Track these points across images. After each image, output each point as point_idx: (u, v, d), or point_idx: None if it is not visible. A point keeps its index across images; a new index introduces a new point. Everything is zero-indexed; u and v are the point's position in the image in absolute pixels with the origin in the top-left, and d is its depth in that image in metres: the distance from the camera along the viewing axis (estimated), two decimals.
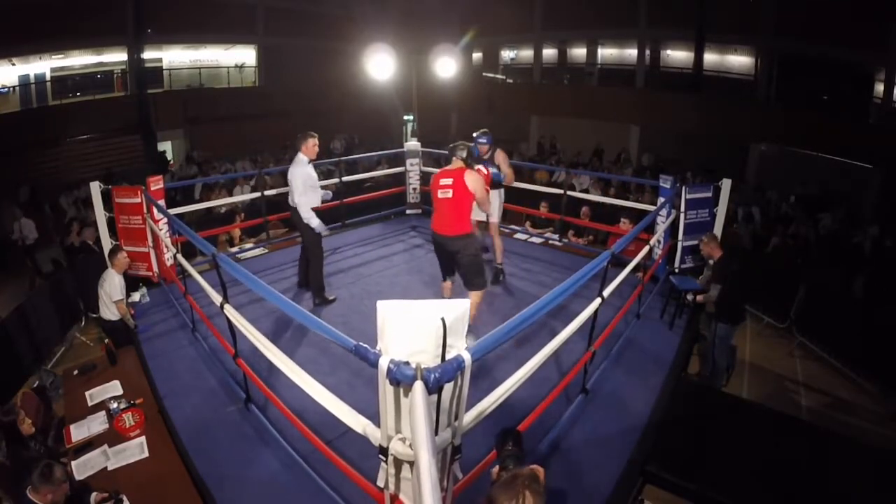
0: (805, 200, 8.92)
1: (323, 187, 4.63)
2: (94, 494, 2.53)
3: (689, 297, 4.23)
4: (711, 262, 4.23)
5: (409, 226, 6.69)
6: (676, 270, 4.94)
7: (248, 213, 7.01)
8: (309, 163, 4.32)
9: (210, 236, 5.54)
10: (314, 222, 4.31)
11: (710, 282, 4.10)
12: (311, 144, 4.31)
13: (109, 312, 4.08)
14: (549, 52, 15.10)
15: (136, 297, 4.72)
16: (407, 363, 1.54)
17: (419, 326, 1.58)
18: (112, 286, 4.03)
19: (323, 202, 4.56)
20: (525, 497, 1.30)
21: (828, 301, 5.23)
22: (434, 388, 1.51)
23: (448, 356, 1.61)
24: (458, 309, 1.65)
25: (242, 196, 7.26)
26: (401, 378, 1.52)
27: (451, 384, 1.63)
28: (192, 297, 3.84)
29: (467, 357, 1.61)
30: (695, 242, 4.96)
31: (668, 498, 2.65)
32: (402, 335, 1.60)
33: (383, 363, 1.56)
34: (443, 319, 1.57)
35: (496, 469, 1.64)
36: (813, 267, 6.05)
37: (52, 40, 10.89)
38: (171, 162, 12.59)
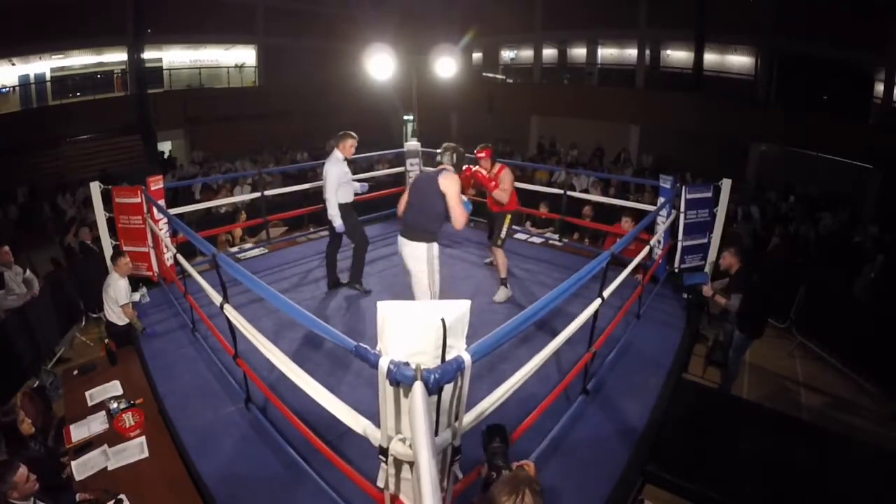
0: (805, 200, 8.93)
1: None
2: (77, 495, 2.53)
3: (705, 290, 4.13)
4: (731, 272, 4.17)
5: None
6: (676, 270, 4.95)
7: (247, 213, 7.03)
8: (344, 160, 4.45)
9: (210, 236, 5.53)
10: (337, 221, 4.42)
11: (730, 291, 4.05)
12: (349, 144, 4.45)
13: (116, 316, 4.06)
14: (549, 52, 15.11)
15: (136, 297, 4.71)
16: (407, 364, 1.53)
17: (419, 327, 1.58)
18: (117, 291, 4.00)
19: (357, 195, 4.74)
20: (525, 495, 1.30)
21: (828, 301, 5.23)
22: (434, 389, 1.51)
23: (448, 357, 1.61)
24: (459, 309, 1.65)
25: (242, 196, 7.26)
26: (401, 379, 1.52)
27: (451, 385, 1.63)
28: (192, 297, 3.84)
29: (467, 358, 1.61)
30: (695, 242, 4.96)
31: (668, 498, 2.65)
32: (401, 336, 1.60)
33: (383, 364, 1.55)
34: (443, 320, 1.57)
35: (484, 467, 1.63)
36: (813, 267, 6.05)
37: (52, 40, 10.90)
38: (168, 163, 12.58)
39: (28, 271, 5.10)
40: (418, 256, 3.38)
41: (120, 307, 4.02)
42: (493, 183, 4.39)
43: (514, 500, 1.30)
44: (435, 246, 3.41)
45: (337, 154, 4.44)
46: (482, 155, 4.52)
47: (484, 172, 4.40)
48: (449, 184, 3.31)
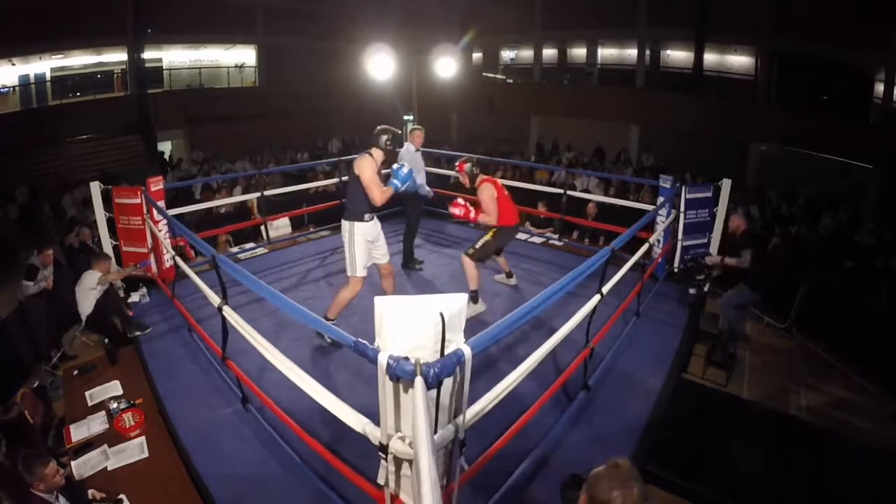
0: (805, 200, 8.93)
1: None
2: (91, 491, 2.53)
3: (709, 259, 4.53)
4: (738, 233, 4.47)
5: None
6: (676, 270, 4.95)
7: (246, 214, 7.01)
8: (416, 150, 5.23)
9: (210, 236, 5.53)
10: (424, 189, 5.40)
11: (740, 249, 4.33)
12: (417, 136, 5.27)
13: (84, 306, 4.09)
14: (549, 52, 15.10)
15: (135, 297, 4.73)
16: (406, 359, 1.53)
17: (417, 322, 1.58)
18: (89, 277, 4.07)
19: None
20: (633, 489, 1.29)
21: (828, 301, 5.23)
22: (434, 383, 1.50)
23: (447, 351, 1.60)
24: (457, 304, 1.65)
25: (242, 196, 7.25)
26: (400, 373, 1.51)
27: (451, 379, 1.63)
28: (186, 300, 3.84)
29: (467, 351, 1.60)
30: (695, 242, 4.96)
31: (668, 498, 2.64)
32: (400, 331, 1.60)
33: (382, 359, 1.55)
34: (441, 314, 1.56)
35: None
36: (813, 267, 6.05)
37: (52, 40, 10.88)
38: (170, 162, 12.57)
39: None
40: (343, 231, 3.65)
41: (97, 286, 4.07)
42: (473, 214, 4.11)
43: (625, 491, 1.28)
44: (357, 225, 3.59)
45: (409, 146, 5.09)
46: (457, 170, 4.25)
47: (457, 211, 4.13)
48: (362, 167, 3.51)
